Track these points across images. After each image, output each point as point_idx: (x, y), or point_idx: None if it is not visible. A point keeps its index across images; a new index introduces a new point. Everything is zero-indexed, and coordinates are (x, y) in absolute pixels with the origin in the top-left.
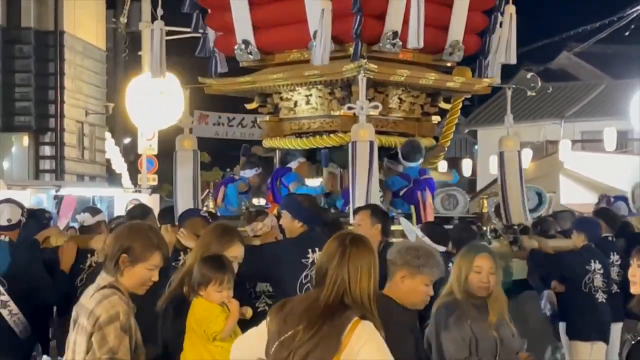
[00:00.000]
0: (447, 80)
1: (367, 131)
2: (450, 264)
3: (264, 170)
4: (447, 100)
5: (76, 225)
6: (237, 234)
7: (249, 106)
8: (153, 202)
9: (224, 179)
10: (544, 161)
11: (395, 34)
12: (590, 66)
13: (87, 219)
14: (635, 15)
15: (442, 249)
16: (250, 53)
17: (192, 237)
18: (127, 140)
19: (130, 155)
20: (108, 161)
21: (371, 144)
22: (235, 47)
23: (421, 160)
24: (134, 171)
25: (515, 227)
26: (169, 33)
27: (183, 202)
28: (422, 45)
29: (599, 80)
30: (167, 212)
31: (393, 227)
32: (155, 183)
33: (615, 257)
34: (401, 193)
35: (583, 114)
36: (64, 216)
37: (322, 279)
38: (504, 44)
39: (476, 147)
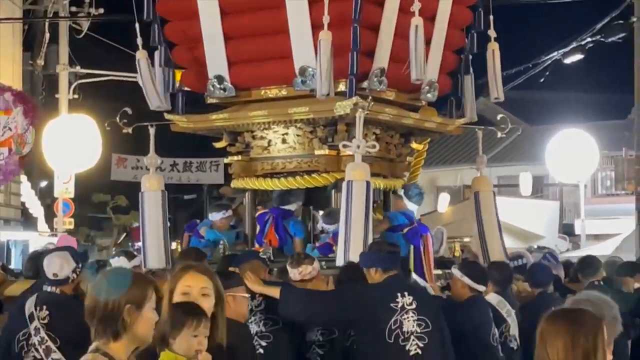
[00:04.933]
0: (425, 121)
1: (363, 171)
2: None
3: (233, 211)
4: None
5: None
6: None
7: (217, 145)
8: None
9: (187, 225)
10: (461, 205)
11: (382, 71)
12: (507, 112)
13: (123, 263)
14: (549, 62)
15: (482, 288)
16: (224, 89)
17: (257, 280)
18: (43, 184)
19: (47, 198)
20: (23, 204)
21: (367, 184)
22: (208, 82)
23: (421, 203)
24: (50, 215)
25: None
26: (85, 76)
27: (152, 244)
28: (423, 77)
29: (515, 126)
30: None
31: None
32: (72, 227)
33: None
34: (404, 230)
35: (499, 159)
36: None
37: None
38: (492, 81)
39: None
